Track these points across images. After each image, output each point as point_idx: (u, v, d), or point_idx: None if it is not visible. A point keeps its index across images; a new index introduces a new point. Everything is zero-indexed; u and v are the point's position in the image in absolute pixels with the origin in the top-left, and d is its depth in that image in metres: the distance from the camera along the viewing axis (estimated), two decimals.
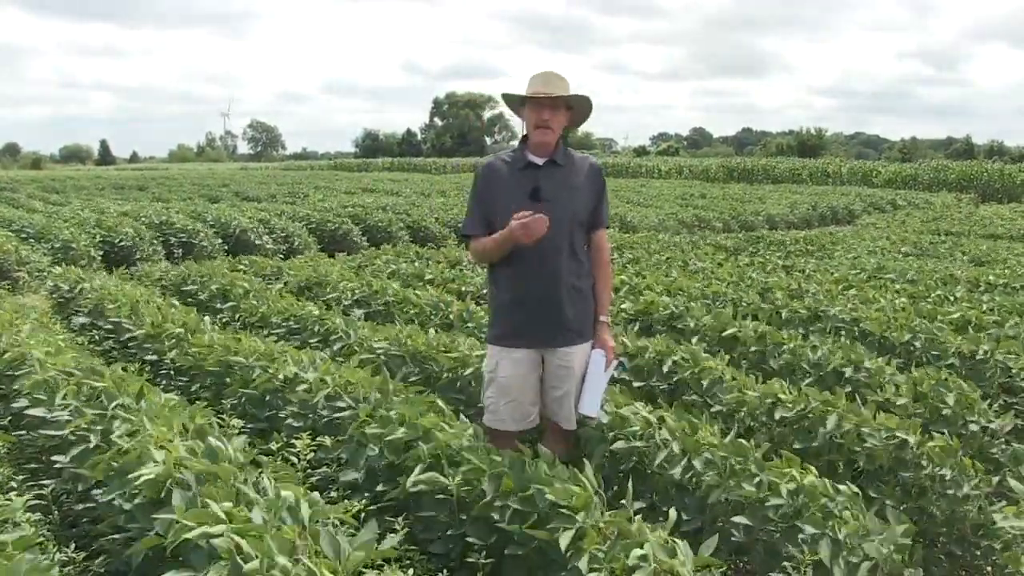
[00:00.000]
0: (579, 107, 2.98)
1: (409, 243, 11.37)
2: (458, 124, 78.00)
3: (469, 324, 5.05)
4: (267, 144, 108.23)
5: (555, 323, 2.94)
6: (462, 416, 3.20)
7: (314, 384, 3.43)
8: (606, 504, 2.43)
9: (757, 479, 2.62)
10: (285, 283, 6.85)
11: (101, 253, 9.63)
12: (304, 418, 3.33)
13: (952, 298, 6.25)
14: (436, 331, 4.40)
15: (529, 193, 2.90)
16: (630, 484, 2.41)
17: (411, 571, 2.19)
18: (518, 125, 3.12)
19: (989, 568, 2.94)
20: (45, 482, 2.82)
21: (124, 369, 3.72)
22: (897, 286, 6.86)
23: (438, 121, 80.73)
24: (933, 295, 6.34)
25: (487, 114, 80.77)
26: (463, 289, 6.60)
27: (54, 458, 2.85)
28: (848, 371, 3.98)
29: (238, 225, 11.22)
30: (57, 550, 2.39)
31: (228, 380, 3.81)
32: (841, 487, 2.58)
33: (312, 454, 2.90)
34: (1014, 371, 4.22)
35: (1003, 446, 3.42)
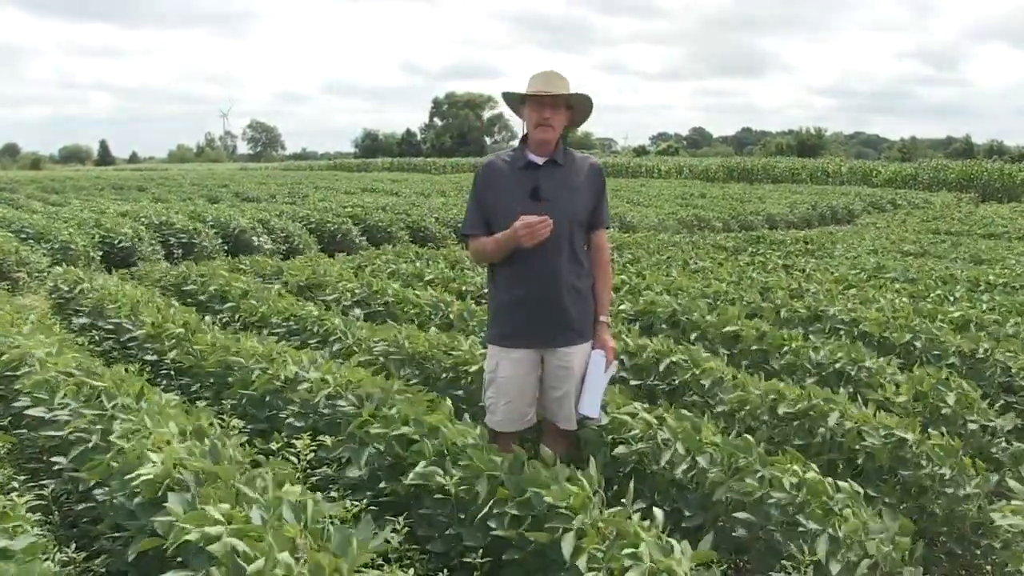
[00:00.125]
0: (580, 106, 2.98)
1: (409, 243, 11.37)
2: (458, 124, 78.04)
3: (471, 323, 5.06)
4: (267, 144, 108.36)
5: (555, 323, 2.93)
6: (466, 416, 3.19)
7: (315, 384, 3.43)
8: (606, 503, 2.43)
9: (759, 474, 2.62)
10: (285, 283, 6.85)
11: (100, 253, 9.63)
12: (305, 417, 3.33)
13: (952, 297, 6.26)
14: (435, 331, 4.40)
15: (529, 193, 2.90)
16: (631, 484, 2.42)
17: (411, 571, 2.19)
18: (518, 125, 3.12)
19: (988, 567, 2.94)
20: (45, 482, 2.81)
21: (124, 369, 3.72)
22: (897, 285, 6.87)
23: (438, 121, 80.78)
24: (933, 294, 6.35)
25: (487, 114, 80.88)
26: (463, 289, 6.60)
27: (54, 459, 2.85)
28: (851, 371, 3.98)
29: (238, 225, 11.23)
30: (57, 550, 2.39)
31: (229, 380, 3.81)
32: (842, 484, 2.58)
33: (312, 454, 2.90)
34: (1014, 370, 4.22)
35: (1003, 445, 3.42)
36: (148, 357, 4.50)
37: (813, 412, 3.24)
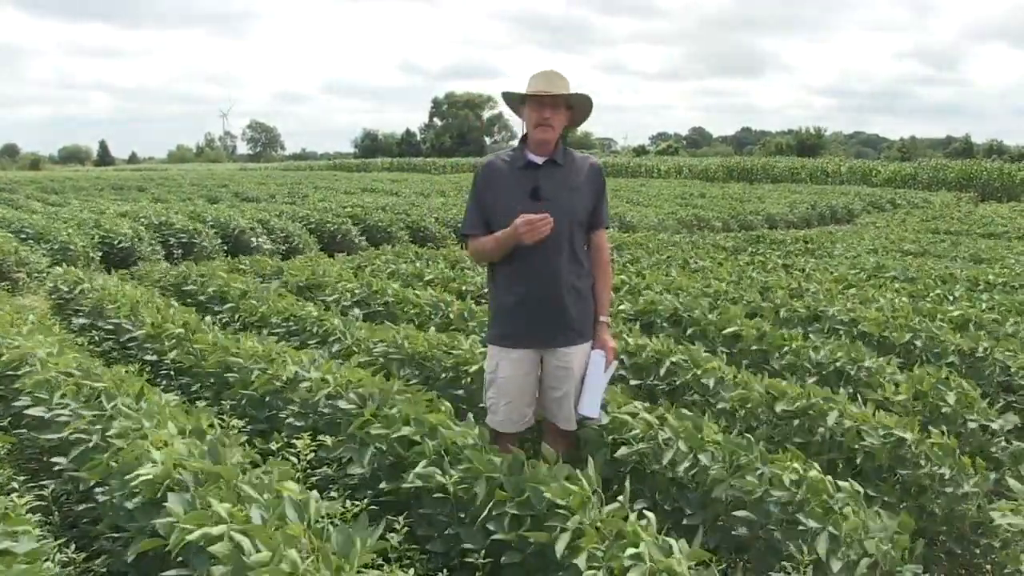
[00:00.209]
0: (579, 106, 2.98)
1: (409, 243, 11.37)
2: (457, 124, 78.04)
3: (471, 323, 5.05)
4: (266, 144, 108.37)
5: (555, 323, 2.93)
6: (469, 416, 3.19)
7: (315, 384, 3.43)
8: (604, 503, 2.43)
9: (760, 472, 2.62)
10: (285, 283, 6.85)
11: (100, 254, 9.63)
12: (305, 417, 3.33)
13: (951, 297, 6.26)
14: (435, 331, 4.40)
15: (529, 192, 2.90)
16: (627, 483, 2.42)
17: (411, 571, 2.19)
18: (518, 125, 3.12)
19: (988, 566, 2.94)
20: (45, 482, 2.81)
21: (124, 370, 3.72)
22: (896, 285, 6.87)
23: (437, 121, 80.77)
24: (932, 294, 6.35)
25: (486, 114, 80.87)
26: (463, 289, 6.60)
27: (54, 459, 2.85)
28: (851, 370, 3.98)
29: (237, 226, 11.22)
30: (57, 551, 2.39)
31: (228, 380, 3.81)
32: (842, 483, 2.59)
33: (312, 454, 2.90)
34: (1013, 369, 4.22)
35: (1003, 444, 3.42)
36: (148, 357, 4.50)
37: (812, 411, 3.24)
